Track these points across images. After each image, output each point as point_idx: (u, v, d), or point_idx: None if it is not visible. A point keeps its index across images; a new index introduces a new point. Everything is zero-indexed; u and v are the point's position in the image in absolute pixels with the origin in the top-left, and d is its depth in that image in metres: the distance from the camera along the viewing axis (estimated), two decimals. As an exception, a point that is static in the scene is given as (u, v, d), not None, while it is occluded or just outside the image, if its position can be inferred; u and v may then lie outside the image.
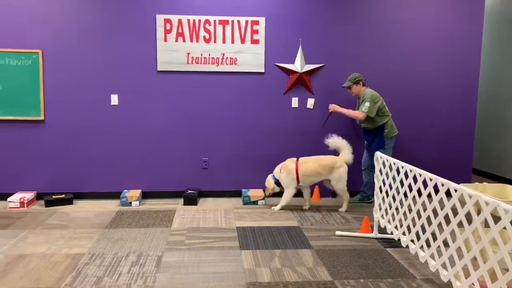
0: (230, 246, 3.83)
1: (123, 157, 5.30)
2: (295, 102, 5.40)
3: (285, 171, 4.89)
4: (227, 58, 5.25)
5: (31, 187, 5.23)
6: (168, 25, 5.12)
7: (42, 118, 5.12)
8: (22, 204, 4.89)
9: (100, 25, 5.08)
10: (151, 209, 4.96)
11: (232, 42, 5.22)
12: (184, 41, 5.17)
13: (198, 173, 5.43)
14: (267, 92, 5.38)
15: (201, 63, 5.23)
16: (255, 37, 5.24)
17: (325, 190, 5.48)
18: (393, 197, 4.60)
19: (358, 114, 4.91)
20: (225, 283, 3.12)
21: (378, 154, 3.98)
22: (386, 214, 4.48)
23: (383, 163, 3.88)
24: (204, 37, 5.19)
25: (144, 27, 5.13)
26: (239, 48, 5.24)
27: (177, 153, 5.36)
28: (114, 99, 5.20)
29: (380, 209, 4.03)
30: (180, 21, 5.13)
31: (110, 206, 5.06)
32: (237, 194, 5.47)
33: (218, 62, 5.25)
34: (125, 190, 5.27)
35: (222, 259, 3.54)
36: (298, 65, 5.31)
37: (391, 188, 4.70)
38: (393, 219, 4.37)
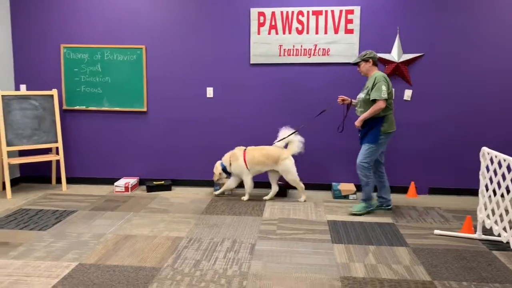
0: (321, 239, 3.80)
1: (217, 147, 5.50)
2: (390, 93, 5.18)
3: (233, 158, 5.01)
4: (319, 49, 5.18)
5: (134, 173, 5.66)
6: (261, 18, 5.19)
7: (145, 109, 5.50)
8: (126, 188, 5.30)
9: (197, 21, 5.29)
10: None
11: (325, 32, 5.14)
12: (276, 33, 5.20)
13: (288, 165, 5.46)
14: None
15: (293, 55, 5.23)
16: (349, 26, 5.10)
17: (423, 186, 5.21)
18: (502, 196, 4.23)
19: (378, 106, 4.23)
20: (318, 275, 3.11)
21: (485, 150, 3.68)
22: (493, 214, 4.15)
23: (491, 160, 3.59)
24: (296, 28, 5.18)
25: (238, 21, 5.25)
26: (332, 39, 5.15)
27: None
28: (210, 92, 5.41)
29: (486, 208, 3.73)
30: (273, 14, 5.16)
31: (205, 193, 5.29)
32: (326, 187, 5.41)
33: (310, 54, 5.21)
34: (218, 179, 5.48)
35: (314, 251, 3.53)
36: (395, 54, 5.07)
37: (499, 186, 4.33)
38: (501, 220, 4.02)
